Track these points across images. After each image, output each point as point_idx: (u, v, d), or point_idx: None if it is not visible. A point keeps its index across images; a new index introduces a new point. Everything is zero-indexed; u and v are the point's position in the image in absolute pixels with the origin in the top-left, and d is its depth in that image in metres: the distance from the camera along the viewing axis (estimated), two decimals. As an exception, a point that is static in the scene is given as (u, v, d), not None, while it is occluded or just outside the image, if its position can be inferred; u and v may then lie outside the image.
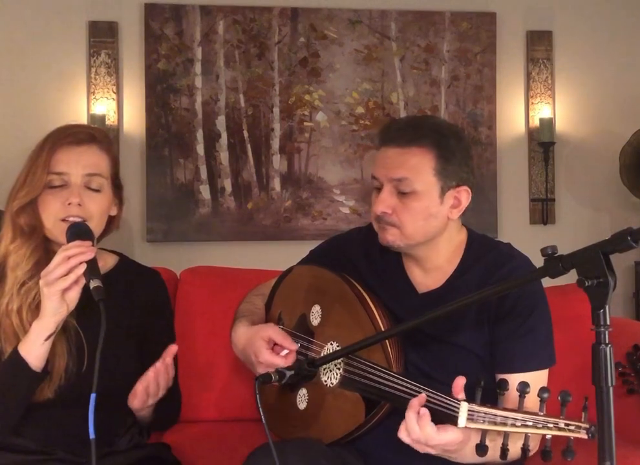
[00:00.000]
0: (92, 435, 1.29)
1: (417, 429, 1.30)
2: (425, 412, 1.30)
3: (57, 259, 1.46)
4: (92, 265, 1.46)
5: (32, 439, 1.60)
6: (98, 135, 1.68)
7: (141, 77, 3.49)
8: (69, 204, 1.59)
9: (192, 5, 3.52)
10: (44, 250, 1.60)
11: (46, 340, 1.48)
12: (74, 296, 1.47)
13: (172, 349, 1.58)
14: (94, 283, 1.44)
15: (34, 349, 1.50)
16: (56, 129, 1.67)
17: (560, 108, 3.76)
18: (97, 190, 1.63)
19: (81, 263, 1.45)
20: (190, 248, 3.50)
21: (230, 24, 3.55)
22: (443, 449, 1.33)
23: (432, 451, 1.33)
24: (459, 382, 1.32)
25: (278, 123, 3.58)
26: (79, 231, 1.54)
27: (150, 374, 1.56)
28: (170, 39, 3.51)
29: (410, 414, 1.31)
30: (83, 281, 1.46)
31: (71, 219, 1.59)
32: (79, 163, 1.62)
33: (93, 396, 1.31)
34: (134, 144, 3.49)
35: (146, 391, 1.56)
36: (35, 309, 1.54)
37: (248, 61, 3.57)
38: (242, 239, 3.55)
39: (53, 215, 1.60)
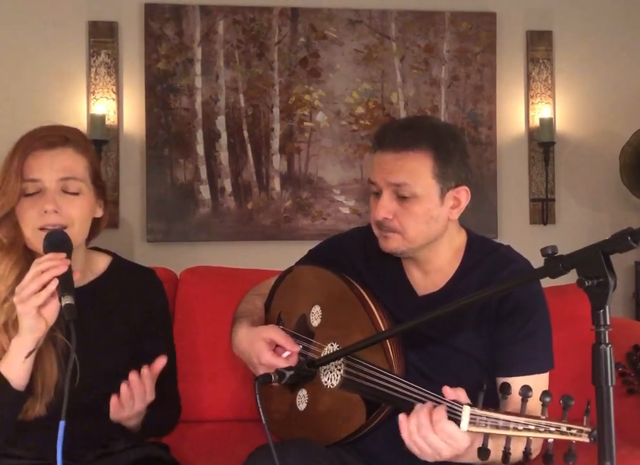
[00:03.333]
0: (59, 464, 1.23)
1: (424, 420, 1.29)
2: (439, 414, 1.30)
3: (29, 274, 1.39)
4: (65, 278, 1.39)
5: (26, 449, 1.56)
6: (72, 136, 1.59)
7: (141, 77, 3.49)
8: (45, 212, 1.50)
9: (192, 5, 3.52)
10: (26, 263, 1.50)
11: (26, 357, 1.42)
12: (51, 310, 1.41)
13: (160, 362, 1.50)
14: (65, 300, 1.36)
15: (15, 368, 1.44)
16: (27, 133, 1.58)
17: (560, 108, 3.75)
18: (75, 193, 1.55)
19: (53, 278, 1.38)
20: (190, 248, 3.49)
21: (230, 24, 3.55)
22: (455, 453, 1.31)
23: (445, 455, 1.31)
24: (458, 393, 1.32)
25: (278, 123, 3.58)
26: (54, 242, 1.46)
27: (122, 387, 1.49)
28: (170, 39, 3.50)
29: (421, 413, 1.31)
30: None
31: (49, 227, 1.50)
32: (52, 168, 1.53)
33: (62, 423, 1.24)
34: (134, 144, 3.49)
35: (120, 402, 1.49)
36: None
37: (248, 61, 3.57)
38: (242, 239, 3.54)
39: (31, 224, 1.52)
